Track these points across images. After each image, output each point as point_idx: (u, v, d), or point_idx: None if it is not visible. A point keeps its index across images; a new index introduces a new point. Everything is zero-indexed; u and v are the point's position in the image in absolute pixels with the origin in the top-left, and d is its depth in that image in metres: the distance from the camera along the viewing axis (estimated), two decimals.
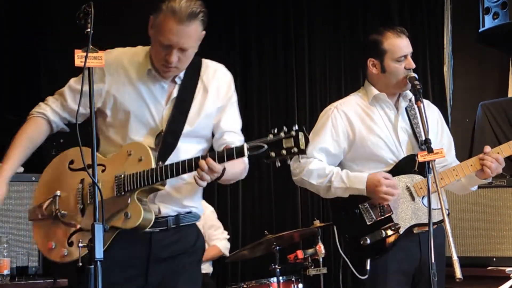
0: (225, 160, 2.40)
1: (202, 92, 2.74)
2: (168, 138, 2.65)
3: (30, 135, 2.75)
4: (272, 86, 5.90)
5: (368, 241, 3.16)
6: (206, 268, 5.10)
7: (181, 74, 2.71)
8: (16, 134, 2.74)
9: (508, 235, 4.06)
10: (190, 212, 2.76)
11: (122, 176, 2.57)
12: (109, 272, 2.46)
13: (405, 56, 3.25)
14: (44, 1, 5.55)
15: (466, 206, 4.20)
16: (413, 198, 3.20)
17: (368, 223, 3.20)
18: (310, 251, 4.33)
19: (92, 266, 2.20)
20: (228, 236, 5.22)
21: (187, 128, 2.68)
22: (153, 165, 2.53)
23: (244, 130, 2.85)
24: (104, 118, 2.74)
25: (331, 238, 3.37)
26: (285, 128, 2.33)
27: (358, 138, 3.26)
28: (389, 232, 3.15)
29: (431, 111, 3.39)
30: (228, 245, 5.18)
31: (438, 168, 3.20)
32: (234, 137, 2.75)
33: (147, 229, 2.59)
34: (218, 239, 5.14)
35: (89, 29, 2.34)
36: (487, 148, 3.18)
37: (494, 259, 4.08)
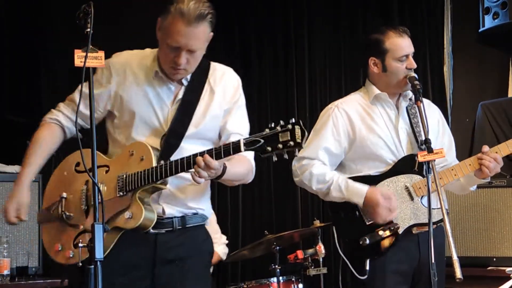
0: (222, 156, 2.38)
1: (208, 94, 2.74)
2: (171, 138, 2.65)
3: (46, 141, 2.76)
4: (272, 86, 5.89)
5: (367, 241, 3.16)
6: None
7: (188, 76, 2.71)
8: (32, 140, 2.75)
9: (508, 235, 4.06)
10: (196, 214, 2.75)
11: (124, 176, 2.57)
12: (115, 274, 2.47)
13: (407, 56, 3.25)
14: (44, 1, 5.55)
15: (466, 206, 4.19)
16: (412, 198, 3.20)
17: (367, 223, 3.20)
18: (310, 251, 4.32)
19: (92, 266, 2.20)
20: (227, 241, 5.18)
21: (191, 129, 2.68)
22: (154, 164, 2.53)
23: None
24: (113, 120, 2.76)
25: (331, 238, 3.37)
26: (281, 122, 2.31)
27: (358, 137, 3.26)
28: (388, 232, 3.16)
29: (432, 111, 3.39)
30: (226, 249, 5.12)
31: (438, 168, 3.20)
32: None
33: (152, 230, 2.59)
34: (216, 244, 5.09)
35: (89, 29, 2.34)
36: (485, 148, 3.18)
37: (494, 259, 4.07)
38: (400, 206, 3.18)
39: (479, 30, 5.00)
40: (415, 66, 3.26)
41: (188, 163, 2.44)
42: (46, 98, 5.39)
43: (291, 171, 3.37)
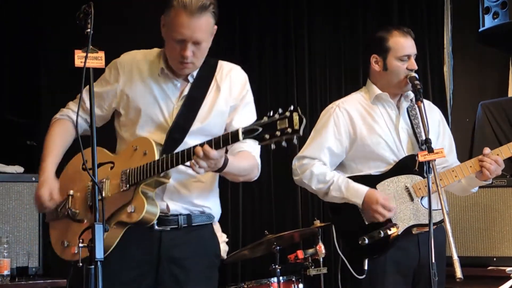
0: (221, 145, 2.38)
1: (214, 91, 2.75)
2: (175, 133, 2.66)
3: (61, 134, 2.78)
4: (272, 86, 5.89)
5: (366, 241, 3.16)
6: None
7: (195, 73, 2.72)
8: (47, 136, 2.78)
9: (508, 235, 4.06)
10: (203, 212, 2.76)
11: (128, 170, 2.58)
12: (119, 271, 2.47)
13: (409, 57, 3.25)
14: (44, 1, 5.55)
15: (466, 206, 4.19)
16: (411, 199, 3.20)
17: (366, 223, 3.20)
18: (311, 251, 4.32)
19: (93, 267, 2.20)
20: (227, 239, 5.18)
21: (197, 124, 2.68)
22: (157, 158, 2.54)
23: None
24: (119, 118, 2.79)
25: (332, 238, 3.37)
26: (280, 110, 2.29)
27: (359, 137, 3.27)
28: (388, 232, 3.15)
29: (433, 112, 3.39)
30: (226, 248, 5.12)
31: (439, 168, 3.20)
32: None
33: (157, 227, 2.60)
34: None
35: (89, 29, 2.35)
36: (487, 150, 3.18)
37: (495, 259, 4.08)
38: (400, 207, 3.18)
39: (479, 30, 5.00)
40: (415, 67, 3.26)
41: (189, 154, 2.44)
42: (46, 98, 5.39)
43: (291, 171, 3.37)
